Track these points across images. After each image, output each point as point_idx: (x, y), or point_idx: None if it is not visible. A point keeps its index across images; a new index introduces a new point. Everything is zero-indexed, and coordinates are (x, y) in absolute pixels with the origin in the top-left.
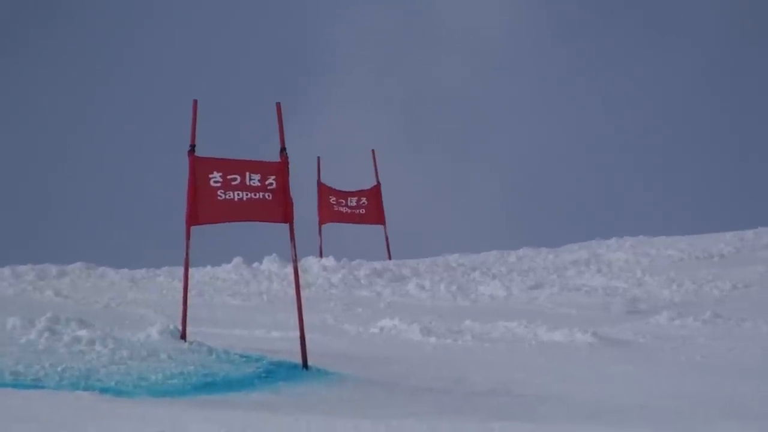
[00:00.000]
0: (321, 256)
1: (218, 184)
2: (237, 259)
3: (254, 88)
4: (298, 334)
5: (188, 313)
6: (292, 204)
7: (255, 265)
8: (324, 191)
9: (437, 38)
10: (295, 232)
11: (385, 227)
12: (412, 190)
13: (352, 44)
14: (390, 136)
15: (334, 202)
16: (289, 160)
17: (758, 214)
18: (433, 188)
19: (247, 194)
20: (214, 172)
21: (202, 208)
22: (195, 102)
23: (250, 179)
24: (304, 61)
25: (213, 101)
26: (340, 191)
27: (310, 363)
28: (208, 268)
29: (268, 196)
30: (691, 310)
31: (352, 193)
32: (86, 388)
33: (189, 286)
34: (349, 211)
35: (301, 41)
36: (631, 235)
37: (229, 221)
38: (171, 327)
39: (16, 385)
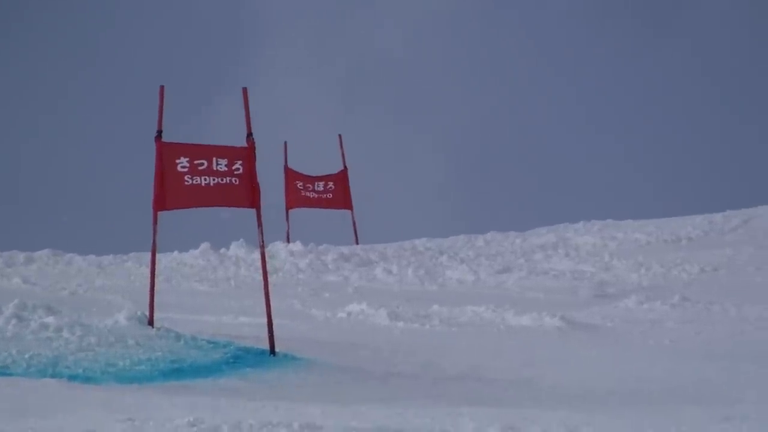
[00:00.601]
0: (288, 241)
1: (185, 170)
2: (204, 245)
3: (190, 65)
4: (265, 319)
5: (156, 299)
6: (258, 189)
7: (222, 250)
8: (291, 176)
9: (375, 4)
10: (262, 217)
11: (352, 212)
12: (376, 173)
13: (286, 16)
14: (329, 109)
15: (301, 187)
16: (256, 144)
17: (726, 198)
18: (396, 172)
19: (214, 179)
20: (181, 158)
21: (169, 193)
22: (162, 88)
23: (217, 164)
24: (241, 34)
25: (157, 83)
26: (307, 176)
27: (277, 348)
28: (176, 253)
29: (235, 181)
30: (659, 293)
31: (319, 178)
32: (54, 375)
33: (156, 272)
34: (316, 196)
35: (235, 15)
36: (598, 218)
37: (196, 206)
38: (139, 313)
39: None
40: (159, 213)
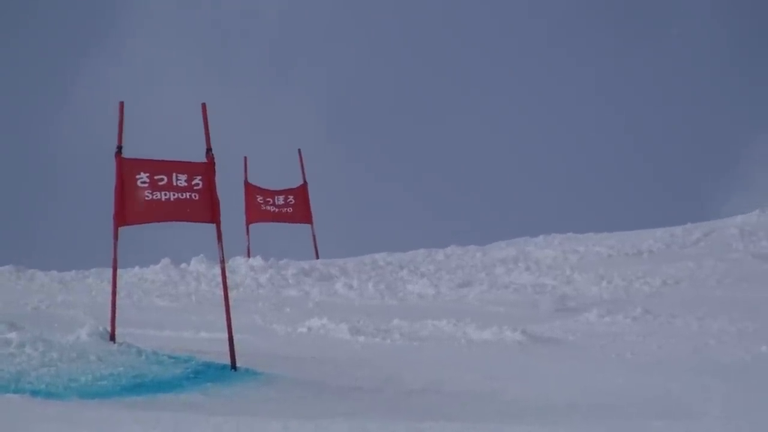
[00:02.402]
0: (249, 256)
1: (145, 185)
2: (165, 260)
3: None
4: (226, 334)
5: (117, 315)
6: (218, 204)
7: (183, 266)
8: (251, 191)
9: None
10: (222, 232)
11: (312, 226)
12: (336, 187)
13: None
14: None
15: (261, 202)
16: (216, 160)
17: (687, 210)
18: (355, 185)
19: (174, 194)
20: (141, 173)
21: (129, 208)
22: (121, 104)
23: (177, 179)
24: None
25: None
26: (267, 190)
27: (239, 363)
28: (137, 269)
29: (195, 196)
30: (620, 307)
31: (279, 192)
32: (16, 391)
33: (118, 288)
34: (277, 210)
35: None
36: (559, 232)
37: (156, 221)
38: (100, 329)
39: None
40: (120, 228)
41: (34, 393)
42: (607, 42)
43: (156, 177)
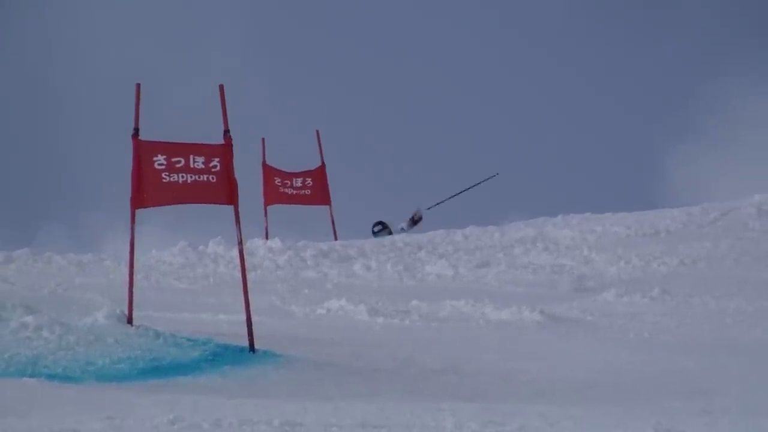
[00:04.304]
0: (267, 238)
1: (162, 167)
2: (182, 243)
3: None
4: (244, 317)
5: (135, 297)
6: (236, 186)
7: (201, 248)
8: (269, 172)
9: None
10: (240, 214)
11: (330, 208)
12: (353, 168)
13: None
14: None
15: (279, 184)
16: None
17: (705, 190)
18: (373, 166)
19: (191, 176)
20: (158, 155)
21: (146, 191)
22: (138, 85)
23: (194, 161)
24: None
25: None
26: (285, 172)
27: (257, 346)
28: (154, 251)
29: (213, 178)
30: (638, 287)
31: (297, 174)
32: (33, 375)
33: (135, 270)
34: (295, 192)
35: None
36: (577, 212)
37: (173, 203)
38: (118, 311)
39: None
40: (137, 211)
41: (51, 377)
42: (618, 31)
43: (173, 159)
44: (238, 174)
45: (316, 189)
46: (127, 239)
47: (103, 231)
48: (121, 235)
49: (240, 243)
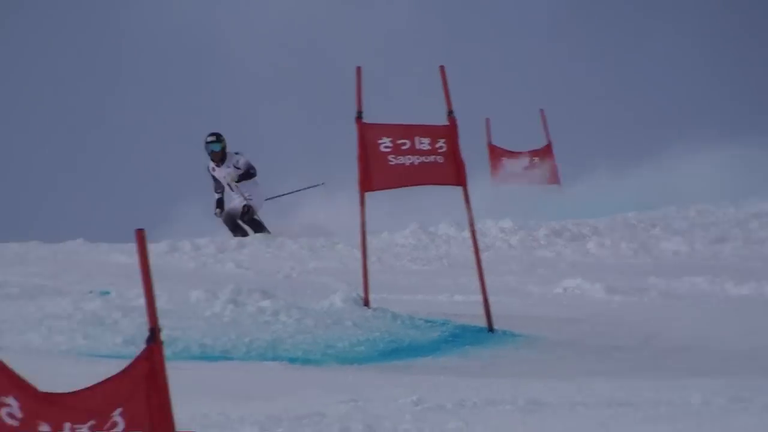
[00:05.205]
0: (496, 218)
1: (388, 149)
2: (413, 224)
3: None
4: (480, 297)
5: (369, 280)
6: (464, 166)
7: (432, 229)
8: (496, 152)
9: None
10: (469, 194)
11: (560, 187)
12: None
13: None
14: None
15: (506, 164)
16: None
17: None
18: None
19: (418, 158)
20: (384, 138)
21: (374, 174)
22: (358, 69)
23: (420, 143)
24: None
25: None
26: (511, 152)
27: (495, 325)
28: (385, 234)
29: (440, 159)
30: None
31: (524, 153)
32: (274, 358)
33: (368, 253)
34: (522, 171)
35: None
36: None
37: (402, 186)
38: (354, 294)
39: (204, 358)
40: (365, 194)
41: (292, 360)
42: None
43: (399, 141)
44: (464, 155)
45: (544, 168)
46: (358, 223)
47: (335, 215)
48: (350, 219)
49: (471, 223)
